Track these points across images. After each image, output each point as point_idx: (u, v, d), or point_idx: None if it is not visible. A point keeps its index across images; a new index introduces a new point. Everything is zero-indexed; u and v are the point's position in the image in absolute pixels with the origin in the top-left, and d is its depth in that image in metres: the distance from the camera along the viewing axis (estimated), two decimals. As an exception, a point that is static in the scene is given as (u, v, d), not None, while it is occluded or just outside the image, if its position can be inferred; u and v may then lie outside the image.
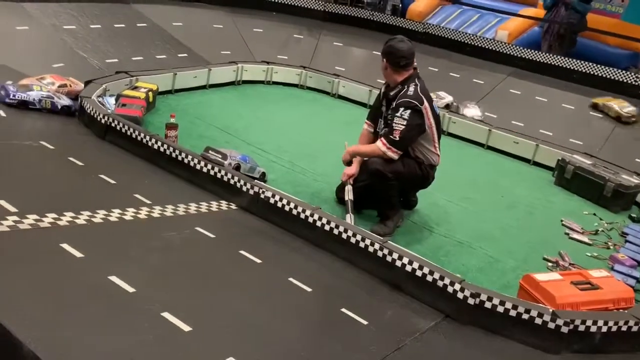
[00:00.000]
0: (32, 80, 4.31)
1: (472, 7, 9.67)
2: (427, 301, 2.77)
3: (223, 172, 3.52)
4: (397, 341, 2.39)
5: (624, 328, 2.66)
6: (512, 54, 7.15)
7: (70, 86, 4.51)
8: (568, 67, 6.80)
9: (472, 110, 6.08)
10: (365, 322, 2.46)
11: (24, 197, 2.70)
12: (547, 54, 7.08)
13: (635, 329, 2.68)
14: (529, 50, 7.14)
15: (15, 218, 2.43)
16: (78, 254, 2.28)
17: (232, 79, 6.22)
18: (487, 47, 7.32)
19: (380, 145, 3.56)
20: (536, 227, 4.13)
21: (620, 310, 2.80)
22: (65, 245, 2.32)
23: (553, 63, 6.91)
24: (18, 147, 3.50)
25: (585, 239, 3.97)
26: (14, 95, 4.04)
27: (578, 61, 6.78)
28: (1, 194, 2.61)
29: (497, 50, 7.24)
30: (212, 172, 3.55)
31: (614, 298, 2.84)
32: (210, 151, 3.70)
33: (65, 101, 4.25)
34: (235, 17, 7.24)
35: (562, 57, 6.93)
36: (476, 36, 7.70)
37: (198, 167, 3.59)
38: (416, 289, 2.81)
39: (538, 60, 6.98)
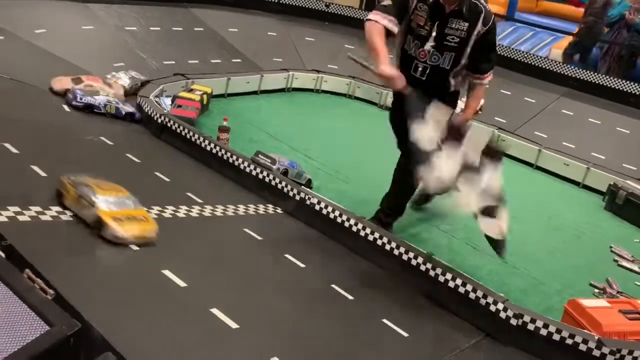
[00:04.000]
0: (67, 81, 4.37)
1: (526, 24, 9.53)
2: (469, 318, 2.76)
3: (271, 177, 3.60)
4: (437, 356, 2.40)
5: (673, 362, 2.59)
6: (565, 73, 7.01)
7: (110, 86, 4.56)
8: (625, 89, 6.61)
9: None
10: (405, 335, 2.48)
11: (85, 189, 2.83)
12: (603, 76, 6.91)
13: (684, 364, 2.60)
14: (584, 70, 6.99)
15: (78, 209, 2.56)
16: (134, 247, 2.38)
17: (283, 86, 6.34)
18: (540, 65, 7.20)
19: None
20: (583, 251, 4.04)
21: (670, 344, 2.72)
22: (122, 238, 2.42)
23: (609, 85, 6.73)
24: (80, 141, 3.67)
25: (635, 268, 3.86)
26: (80, 99, 4.17)
27: (636, 84, 6.60)
28: (65, 185, 2.74)
29: (550, 69, 7.12)
30: (260, 176, 3.63)
31: (663, 330, 2.76)
32: (260, 155, 3.79)
33: (129, 108, 4.33)
34: (288, 25, 7.37)
35: (619, 79, 6.75)
36: (529, 54, 7.59)
37: (248, 170, 3.68)
38: (458, 306, 2.81)
39: (593, 81, 6.82)
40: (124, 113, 4.28)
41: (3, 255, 1.17)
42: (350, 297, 2.66)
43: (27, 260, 1.25)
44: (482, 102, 3.31)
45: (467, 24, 3.04)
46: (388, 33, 3.05)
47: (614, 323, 2.68)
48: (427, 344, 2.51)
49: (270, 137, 4.90)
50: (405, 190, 3.56)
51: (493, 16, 3.11)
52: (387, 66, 2.95)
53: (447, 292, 2.84)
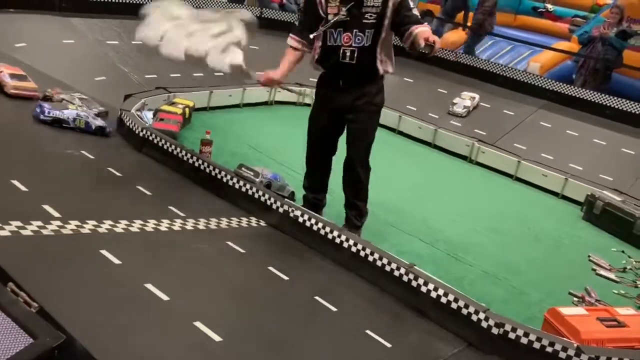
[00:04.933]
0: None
1: (505, 38, 9.72)
2: (451, 328, 2.78)
3: (254, 189, 3.61)
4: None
5: (651, 368, 2.64)
6: (543, 86, 7.16)
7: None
8: (601, 102, 6.78)
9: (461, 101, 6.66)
10: (389, 345, 2.50)
11: (66, 203, 2.81)
12: (580, 89, 7.08)
13: (662, 369, 2.65)
14: (561, 83, 7.15)
15: (59, 223, 2.54)
16: (116, 261, 2.37)
17: (266, 99, 6.37)
18: (518, 78, 7.35)
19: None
20: (563, 261, 4.11)
21: (647, 350, 2.77)
22: (104, 252, 2.41)
23: (586, 98, 6.90)
24: (60, 154, 3.65)
25: (613, 276, 3.94)
26: (48, 113, 4.00)
27: (611, 97, 6.76)
28: (46, 199, 2.73)
29: (529, 82, 7.26)
30: (243, 189, 3.64)
31: (640, 337, 2.82)
32: (242, 168, 3.79)
33: (99, 122, 4.15)
34: (269, 38, 7.41)
35: (595, 92, 6.91)
36: (508, 67, 7.74)
37: (230, 183, 3.68)
38: (440, 316, 2.83)
39: (570, 94, 6.98)
40: (94, 127, 4.10)
41: (-15, 269, 1.17)
42: (334, 309, 2.67)
43: (9, 274, 1.25)
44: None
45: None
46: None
47: (593, 330, 2.73)
48: (410, 354, 2.53)
49: (253, 150, 4.91)
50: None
51: None
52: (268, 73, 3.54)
53: (429, 302, 2.86)
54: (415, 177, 5.11)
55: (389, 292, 2.98)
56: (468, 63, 7.70)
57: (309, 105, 6.69)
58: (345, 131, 3.63)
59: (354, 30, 3.27)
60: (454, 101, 6.66)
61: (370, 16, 3.24)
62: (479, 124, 6.37)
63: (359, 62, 3.33)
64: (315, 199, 3.87)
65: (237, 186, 3.66)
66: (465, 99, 6.69)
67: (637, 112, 6.56)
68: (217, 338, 2.07)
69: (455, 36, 9.85)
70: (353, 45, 3.29)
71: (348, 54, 3.31)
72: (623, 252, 4.39)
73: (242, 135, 5.21)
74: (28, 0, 5.67)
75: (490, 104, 6.89)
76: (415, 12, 3.32)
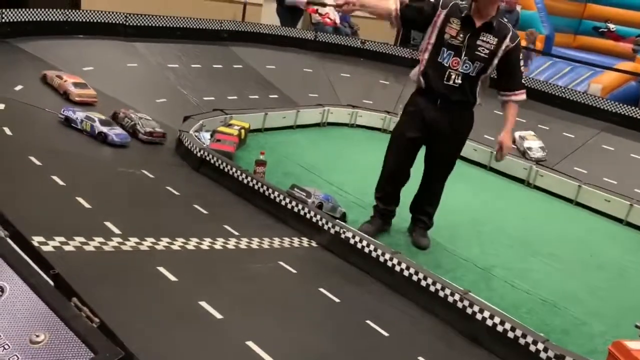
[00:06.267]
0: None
1: (564, 59, 9.48)
2: (507, 358, 2.69)
3: (306, 210, 3.64)
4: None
5: None
6: (605, 108, 6.89)
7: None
8: (670, 125, 6.46)
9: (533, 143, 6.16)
10: (442, 373, 2.43)
11: (126, 220, 2.92)
12: (645, 111, 6.77)
13: None
14: (624, 105, 6.87)
15: (119, 240, 2.63)
16: (172, 278, 2.43)
17: (318, 121, 6.44)
18: (578, 100, 7.11)
19: None
20: (628, 291, 3.91)
21: None
22: (161, 269, 2.48)
23: (651, 120, 6.59)
24: (122, 173, 3.80)
25: (684, 309, 3.70)
26: (63, 111, 4.24)
27: (679, 120, 6.44)
28: (108, 216, 2.84)
29: (590, 104, 7.02)
30: (296, 209, 3.67)
31: None
32: (295, 189, 3.83)
33: (104, 128, 4.14)
34: (324, 61, 7.52)
35: (662, 115, 6.60)
36: (567, 89, 7.52)
37: (283, 203, 3.73)
38: (496, 345, 2.74)
39: (634, 116, 6.69)
40: (96, 132, 4.12)
41: (52, 283, 1.22)
42: (386, 334, 2.63)
43: (73, 288, 1.30)
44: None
45: (496, 39, 3.48)
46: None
47: (662, 367, 2.56)
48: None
49: (306, 170, 4.95)
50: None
51: (519, 37, 3.56)
52: None
53: (484, 330, 2.78)
54: (471, 201, 5.00)
55: (442, 318, 2.92)
56: (525, 84, 7.50)
57: (361, 126, 6.74)
58: (427, 149, 3.83)
59: (465, 58, 3.48)
60: (526, 145, 6.22)
61: (483, 50, 3.47)
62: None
63: (461, 88, 3.53)
64: (386, 210, 3.98)
65: (289, 206, 3.69)
66: (532, 139, 6.28)
67: None
68: (268, 359, 2.07)
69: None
70: (460, 70, 3.50)
71: (453, 77, 3.50)
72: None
73: (295, 155, 5.27)
74: (96, 26, 6.00)
75: (549, 126, 6.70)
76: (522, 68, 3.68)
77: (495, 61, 3.51)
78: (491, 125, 5.97)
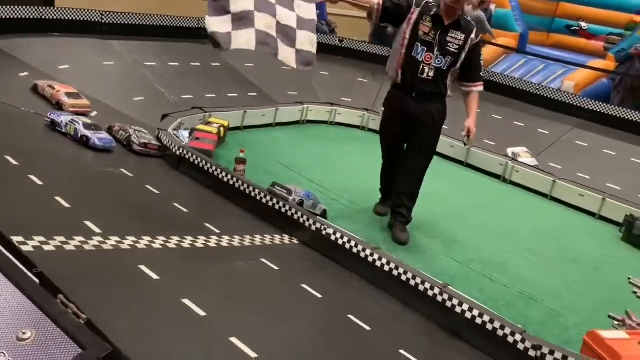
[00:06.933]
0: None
1: (538, 57, 9.64)
2: (486, 350, 2.75)
3: (287, 207, 3.65)
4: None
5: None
6: (579, 105, 7.05)
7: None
8: (639, 120, 6.63)
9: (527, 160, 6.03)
10: (424, 366, 2.48)
11: (106, 219, 2.90)
12: (617, 107, 6.94)
13: None
14: (597, 102, 7.02)
15: (100, 239, 2.62)
16: (155, 276, 2.42)
17: (298, 119, 6.45)
18: (552, 97, 7.25)
19: None
20: (602, 283, 4.00)
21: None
22: (143, 267, 2.47)
23: (623, 116, 6.75)
24: (101, 172, 3.76)
25: (655, 300, 3.82)
26: (50, 115, 4.20)
27: (649, 116, 6.61)
28: (87, 216, 2.82)
29: (563, 101, 7.16)
30: (277, 207, 3.68)
31: (685, 363, 2.72)
32: (276, 186, 3.84)
33: (87, 132, 4.06)
34: (303, 59, 7.52)
35: (633, 111, 6.77)
36: (541, 86, 7.66)
37: (264, 200, 3.74)
38: (475, 337, 2.79)
39: (606, 112, 6.85)
40: (79, 136, 4.07)
41: (37, 281, 1.22)
42: (368, 328, 2.66)
43: (58, 287, 1.30)
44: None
45: (463, 35, 3.79)
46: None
47: (634, 355, 2.65)
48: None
49: (286, 168, 4.96)
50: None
51: (480, 33, 3.94)
52: None
53: (464, 323, 2.83)
54: (449, 196, 5.07)
55: (423, 312, 2.96)
56: (499, 81, 7.64)
57: (340, 124, 6.77)
58: (408, 142, 4.06)
59: (437, 53, 3.77)
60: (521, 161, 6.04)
61: (453, 46, 3.78)
62: (513, 142, 6.30)
63: (434, 81, 3.81)
64: (390, 194, 4.27)
65: (270, 204, 3.70)
66: (526, 156, 6.10)
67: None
68: (253, 354, 2.08)
69: (486, 54, 9.80)
70: (433, 65, 3.78)
71: (427, 70, 3.79)
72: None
73: (275, 154, 5.28)
74: (70, 24, 5.91)
75: (525, 122, 6.82)
76: (482, 62, 3.99)
77: (463, 55, 3.80)
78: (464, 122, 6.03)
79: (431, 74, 3.78)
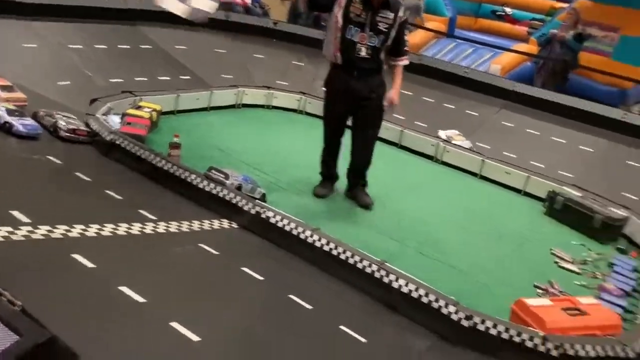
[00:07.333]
0: None
1: (466, 41, 9.97)
2: (423, 322, 2.86)
3: (225, 192, 3.62)
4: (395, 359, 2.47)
5: (611, 353, 2.77)
6: (505, 87, 7.35)
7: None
8: (560, 102, 7.00)
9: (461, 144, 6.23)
10: (364, 340, 2.55)
11: (35, 209, 2.77)
12: (540, 89, 7.30)
13: (622, 354, 2.78)
14: (521, 84, 7.35)
15: (29, 228, 2.51)
16: (89, 264, 2.35)
17: (233, 102, 6.36)
18: (480, 80, 7.52)
19: None
20: (527, 256, 4.24)
21: (608, 337, 2.90)
22: (76, 256, 2.39)
23: (545, 98, 7.11)
24: (27, 160, 3.58)
25: (574, 268, 4.09)
26: None
27: (569, 97, 7.00)
28: (14, 205, 2.69)
29: (491, 83, 7.44)
30: (214, 191, 3.65)
31: (601, 324, 2.95)
32: (213, 171, 3.80)
33: (8, 117, 3.87)
34: (236, 42, 7.42)
35: (554, 93, 7.14)
36: (470, 69, 7.92)
37: (201, 185, 3.69)
38: (412, 310, 2.90)
39: (531, 94, 7.18)
40: (2, 122, 3.85)
41: (-35, 270, 1.16)
42: (309, 307, 2.71)
43: (-13, 276, 1.25)
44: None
45: (392, 14, 4.03)
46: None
47: (557, 320, 2.84)
48: (385, 348, 2.59)
49: (223, 152, 4.91)
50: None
51: (416, 17, 4.37)
52: None
53: (401, 297, 2.93)
54: (384, 177, 5.18)
55: (361, 289, 3.04)
56: (431, 65, 7.84)
57: (277, 107, 6.75)
58: (354, 118, 4.32)
59: (370, 33, 4.02)
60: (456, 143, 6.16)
61: (383, 25, 4.03)
62: (444, 124, 6.51)
63: (370, 58, 4.07)
64: (330, 175, 4.54)
65: (207, 189, 3.66)
66: (459, 139, 6.25)
67: (594, 112, 6.80)
68: (195, 338, 2.08)
69: (417, 38, 10.03)
70: (367, 44, 4.03)
71: (363, 49, 4.04)
72: (583, 245, 4.55)
73: (211, 138, 5.20)
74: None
75: (454, 105, 7.05)
76: (407, 38, 4.26)
77: (393, 32, 4.07)
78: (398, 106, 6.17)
79: (368, 52, 4.04)
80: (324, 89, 4.43)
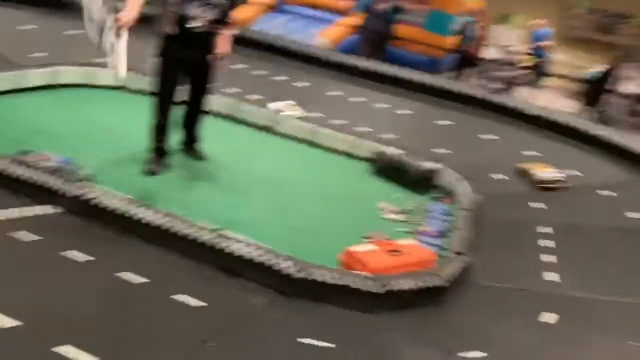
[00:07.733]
0: None
1: (295, 15, 10.22)
2: (260, 280, 2.97)
3: (42, 176, 3.37)
4: (234, 318, 2.55)
5: (429, 284, 3.12)
6: (332, 59, 7.72)
7: None
8: (381, 71, 7.55)
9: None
10: (205, 304, 2.60)
11: None
12: (363, 60, 7.79)
13: (437, 283, 3.15)
14: (347, 56, 7.78)
15: None
16: None
17: (50, 82, 5.85)
18: (309, 53, 7.80)
19: None
20: (357, 212, 4.57)
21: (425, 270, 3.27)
22: None
23: (369, 68, 7.62)
24: None
25: (397, 217, 4.51)
26: None
27: (388, 66, 7.58)
28: None
29: (319, 56, 7.76)
30: (30, 176, 3.37)
31: (418, 261, 3.32)
32: (29, 154, 3.51)
33: None
34: (47, 17, 6.81)
35: (376, 63, 7.67)
36: (298, 42, 8.17)
37: (11, 170, 3.38)
38: (248, 271, 3.00)
39: (355, 65, 7.64)
40: None
41: None
42: (142, 280, 2.66)
43: None
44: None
45: None
46: None
47: (378, 261, 3.14)
48: (226, 308, 2.65)
49: (40, 135, 4.52)
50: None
51: None
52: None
53: (237, 260, 3.01)
54: (218, 148, 5.17)
55: (197, 258, 3.06)
56: (260, 39, 7.93)
57: (99, 87, 6.33)
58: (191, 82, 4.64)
59: (204, 7, 4.32)
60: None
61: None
62: (276, 96, 6.64)
63: (204, 29, 4.37)
64: (163, 149, 4.54)
65: (18, 173, 3.37)
66: (291, 110, 6.32)
67: (409, 79, 7.46)
68: (15, 323, 1.95)
69: (246, 13, 10.04)
70: (201, 16, 4.33)
71: (200, 23, 4.34)
72: (404, 196, 5.01)
73: (25, 121, 4.76)
74: None
75: (283, 77, 7.23)
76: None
77: (225, 3, 4.45)
78: (228, 80, 6.19)
79: (203, 23, 4.36)
80: (157, 59, 4.43)
